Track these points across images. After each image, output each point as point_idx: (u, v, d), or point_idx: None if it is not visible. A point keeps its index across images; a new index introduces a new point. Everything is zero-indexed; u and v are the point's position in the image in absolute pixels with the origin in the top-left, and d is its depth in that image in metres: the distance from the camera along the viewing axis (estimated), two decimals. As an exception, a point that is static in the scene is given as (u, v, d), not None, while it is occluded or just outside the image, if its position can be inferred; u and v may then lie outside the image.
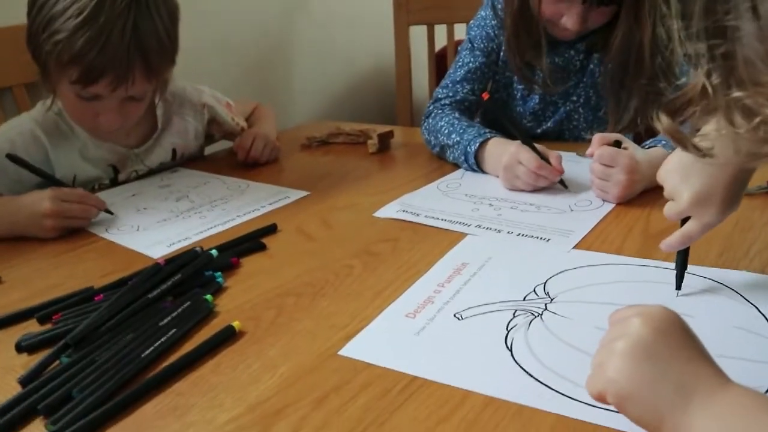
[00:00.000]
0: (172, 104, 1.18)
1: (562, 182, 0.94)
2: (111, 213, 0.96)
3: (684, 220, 0.63)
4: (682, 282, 0.65)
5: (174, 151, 1.19)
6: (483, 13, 1.19)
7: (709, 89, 0.40)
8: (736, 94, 0.39)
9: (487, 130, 1.05)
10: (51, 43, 0.91)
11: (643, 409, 0.42)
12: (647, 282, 0.68)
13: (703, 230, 0.62)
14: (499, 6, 1.14)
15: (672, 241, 0.64)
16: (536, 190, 0.94)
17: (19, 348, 0.63)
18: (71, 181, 1.07)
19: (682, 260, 0.65)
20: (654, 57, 1.02)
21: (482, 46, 1.17)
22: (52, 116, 1.07)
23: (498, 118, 1.06)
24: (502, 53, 1.16)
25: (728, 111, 0.40)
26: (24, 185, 0.99)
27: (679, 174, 0.62)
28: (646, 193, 0.90)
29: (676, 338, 0.43)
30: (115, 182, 1.13)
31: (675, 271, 0.65)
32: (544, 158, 0.93)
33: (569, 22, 1.02)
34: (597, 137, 0.89)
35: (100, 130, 1.04)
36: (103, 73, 0.92)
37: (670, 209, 0.63)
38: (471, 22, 1.21)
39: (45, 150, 1.05)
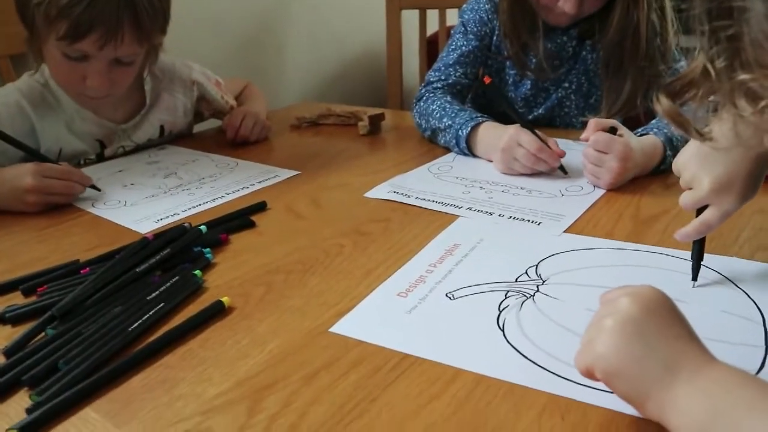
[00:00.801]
0: (162, 80, 1.16)
1: (561, 168, 0.94)
2: (98, 189, 0.95)
3: (699, 211, 0.63)
4: (698, 273, 0.64)
5: (162, 127, 1.18)
6: (476, -3, 1.18)
7: (712, 72, 0.40)
8: (742, 76, 0.38)
9: (479, 114, 1.05)
10: None
11: (630, 385, 0.42)
12: (637, 266, 0.68)
13: (722, 218, 0.61)
14: (493, -10, 1.13)
15: (689, 230, 0.63)
16: (530, 174, 0.94)
17: (3, 319, 0.62)
18: (56, 155, 1.05)
19: (698, 250, 0.64)
20: (650, 39, 1.03)
21: (475, 30, 1.16)
22: (37, 87, 1.05)
23: (496, 102, 1.06)
24: (495, 38, 1.16)
25: (732, 94, 0.39)
26: (8, 157, 0.98)
27: (698, 161, 0.61)
28: (636, 180, 0.90)
29: (664, 317, 0.44)
30: (101, 157, 1.12)
31: (691, 262, 0.64)
32: (543, 142, 0.92)
33: (567, 5, 1.02)
34: (592, 122, 0.89)
35: (87, 96, 1.02)
36: (92, 28, 0.90)
37: (687, 198, 0.62)
38: (464, 5, 1.20)
39: (30, 122, 1.03)
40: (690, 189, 0.62)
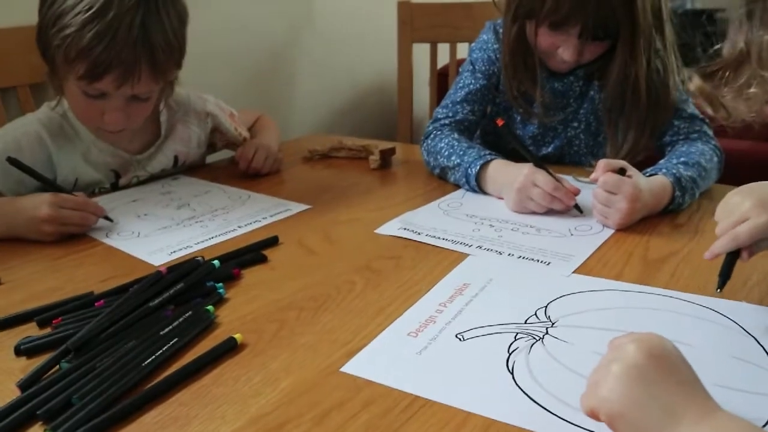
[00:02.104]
0: (177, 112, 1.18)
1: (577, 206, 0.94)
2: (111, 220, 0.96)
3: (730, 256, 0.67)
4: (725, 282, 0.67)
5: (176, 158, 1.20)
6: (485, 37, 1.20)
7: (742, 41, 0.46)
8: (760, 32, 0.44)
9: (488, 152, 1.06)
10: (60, 38, 0.92)
11: (633, 429, 0.43)
12: (646, 309, 0.69)
13: (751, 232, 0.64)
14: (501, 30, 1.15)
15: (720, 241, 0.66)
16: (541, 212, 0.95)
17: (18, 351, 0.63)
18: (72, 184, 1.07)
19: (729, 262, 0.67)
20: (652, 89, 1.04)
21: (483, 68, 1.18)
22: (57, 118, 1.07)
23: (508, 141, 1.07)
24: (502, 77, 1.17)
25: (760, 57, 0.45)
26: (26, 187, 1.00)
27: (747, 193, 0.66)
28: (645, 220, 0.91)
29: (668, 364, 0.45)
30: (115, 187, 1.13)
31: (720, 272, 0.67)
32: (557, 181, 0.93)
33: (566, 54, 1.03)
34: (602, 163, 0.90)
35: (105, 130, 1.04)
36: (109, 69, 0.93)
37: (726, 221, 0.66)
38: (473, 44, 1.22)
39: (48, 152, 1.05)
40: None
